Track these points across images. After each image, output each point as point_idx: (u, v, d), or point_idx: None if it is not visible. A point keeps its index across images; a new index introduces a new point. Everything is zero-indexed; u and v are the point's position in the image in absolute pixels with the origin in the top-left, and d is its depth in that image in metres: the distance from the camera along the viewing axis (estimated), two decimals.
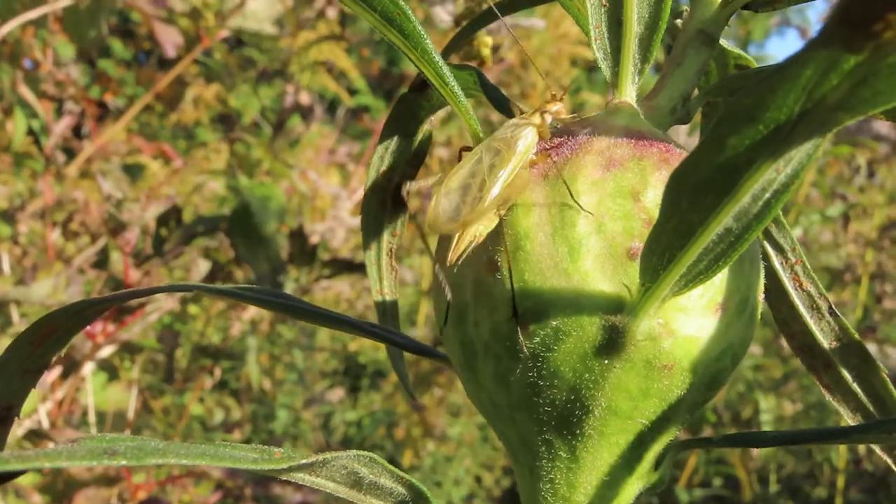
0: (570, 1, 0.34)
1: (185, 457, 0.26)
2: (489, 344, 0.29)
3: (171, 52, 1.49)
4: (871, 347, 1.56)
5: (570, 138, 0.29)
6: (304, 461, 0.27)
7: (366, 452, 0.28)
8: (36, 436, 1.13)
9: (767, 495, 1.85)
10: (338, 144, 1.78)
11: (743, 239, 0.25)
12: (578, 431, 0.29)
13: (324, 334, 1.84)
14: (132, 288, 1.17)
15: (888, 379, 0.38)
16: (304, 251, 1.51)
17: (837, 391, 0.38)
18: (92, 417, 1.31)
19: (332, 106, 2.39)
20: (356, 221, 1.64)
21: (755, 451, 1.72)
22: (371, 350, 1.89)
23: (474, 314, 0.29)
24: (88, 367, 1.32)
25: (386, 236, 0.41)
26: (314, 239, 1.57)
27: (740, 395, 1.78)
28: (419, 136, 0.39)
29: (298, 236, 1.51)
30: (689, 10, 0.35)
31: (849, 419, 0.38)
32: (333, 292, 1.71)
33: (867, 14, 0.19)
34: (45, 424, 1.19)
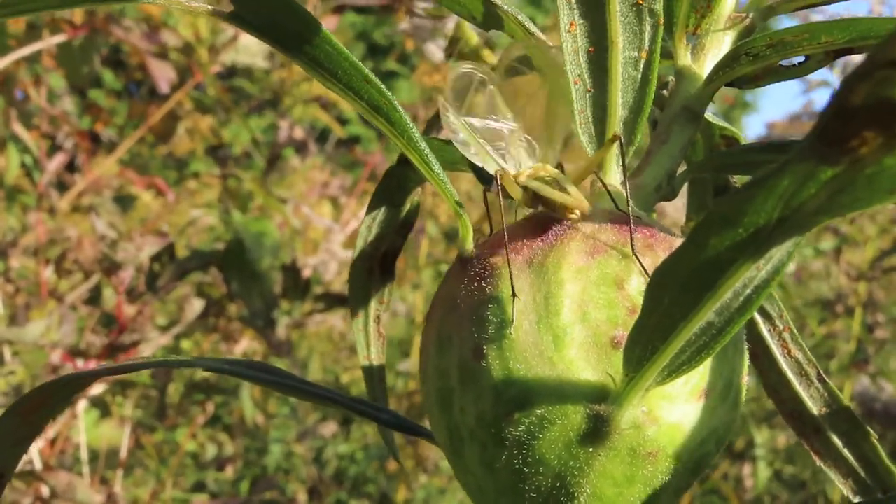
0: (556, 81, 0.34)
1: None
2: (475, 431, 0.29)
3: (164, 87, 1.50)
4: (865, 380, 1.57)
5: (556, 224, 0.30)
6: None
7: None
8: (28, 476, 1.13)
9: None
10: (331, 176, 1.78)
11: (725, 332, 0.26)
12: None
13: (316, 366, 1.83)
14: (126, 329, 1.16)
15: (878, 444, 0.38)
16: (297, 286, 1.51)
17: (828, 457, 0.38)
18: (84, 455, 1.30)
19: (322, 135, 2.39)
20: (348, 255, 1.64)
21: (749, 483, 1.72)
22: (363, 383, 1.89)
23: (460, 400, 0.29)
24: (81, 405, 1.31)
25: (373, 304, 0.41)
26: (307, 272, 1.57)
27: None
28: (407, 207, 0.39)
29: (291, 270, 1.51)
30: (673, 85, 0.35)
31: (840, 485, 0.38)
32: (326, 326, 1.71)
33: (843, 132, 0.20)
34: (38, 465, 1.19)
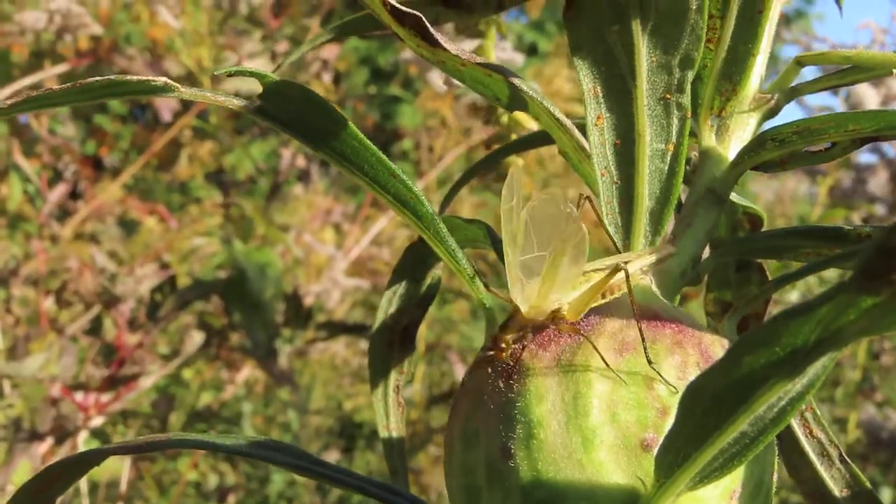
0: (579, 163, 0.34)
1: None
2: None
3: (166, 116, 1.50)
4: (871, 409, 1.56)
5: (583, 319, 0.29)
6: None
7: None
8: None
9: None
10: (333, 202, 1.78)
11: (758, 441, 0.25)
12: None
13: (318, 394, 1.83)
14: (127, 360, 1.16)
15: None
16: (299, 314, 1.51)
17: None
18: (84, 487, 1.30)
19: (324, 161, 2.39)
20: (351, 282, 1.64)
21: None
22: (367, 410, 1.88)
23: (488, 499, 0.29)
24: (82, 436, 1.31)
25: (393, 375, 0.41)
26: (309, 300, 1.57)
27: None
28: (427, 281, 0.39)
29: (294, 299, 1.51)
30: (697, 164, 0.35)
31: None
32: (329, 354, 1.70)
33: (886, 268, 0.20)
34: None
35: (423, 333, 1.78)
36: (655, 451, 0.27)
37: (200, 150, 1.85)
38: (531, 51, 4.15)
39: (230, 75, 0.28)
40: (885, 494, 1.58)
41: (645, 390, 0.28)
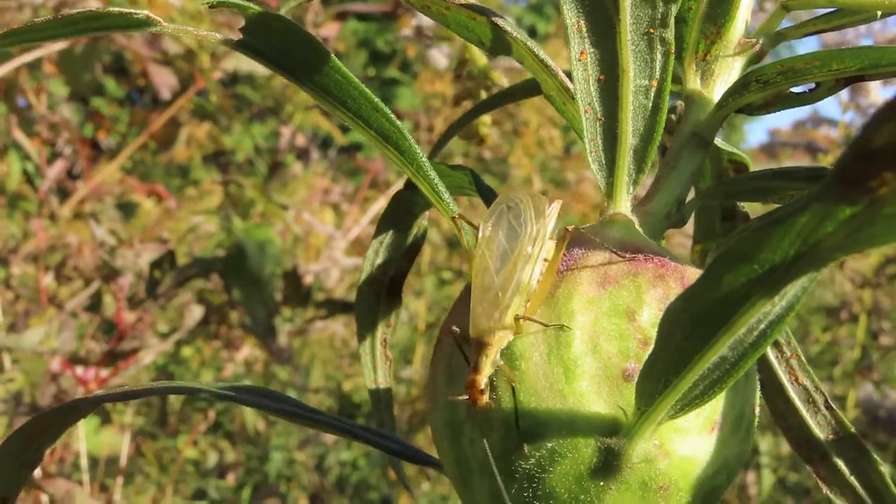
0: (563, 105, 0.34)
1: None
2: (484, 463, 0.28)
3: (165, 94, 1.50)
4: (869, 387, 1.56)
5: (566, 253, 0.29)
6: None
7: None
8: (27, 485, 1.12)
9: None
10: (332, 183, 1.78)
11: (739, 366, 0.25)
12: None
13: (318, 373, 1.83)
14: (126, 335, 1.16)
15: (885, 473, 0.37)
16: (298, 293, 1.51)
17: (835, 484, 0.38)
18: (84, 463, 1.30)
19: (324, 144, 2.40)
20: (350, 261, 1.64)
21: (753, 491, 1.71)
22: (366, 390, 1.88)
23: (470, 432, 0.29)
24: None
25: (380, 327, 0.41)
26: (308, 279, 1.57)
27: None
28: (414, 231, 0.39)
29: (293, 277, 1.51)
30: (682, 110, 0.35)
31: None
32: (328, 333, 1.70)
33: (864, 173, 0.19)
34: (37, 473, 1.18)
35: (423, 314, 1.78)
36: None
37: (198, 132, 1.85)
38: (530, 33, 4.14)
39: (212, 7, 0.28)
40: None
41: (626, 322, 0.28)
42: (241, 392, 0.35)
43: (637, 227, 0.31)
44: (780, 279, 0.23)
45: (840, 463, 0.38)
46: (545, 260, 0.29)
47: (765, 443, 1.67)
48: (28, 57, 1.40)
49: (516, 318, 0.28)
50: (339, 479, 1.75)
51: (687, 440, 0.28)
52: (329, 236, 1.64)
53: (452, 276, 1.84)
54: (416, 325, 1.81)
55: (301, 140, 1.58)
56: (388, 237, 0.39)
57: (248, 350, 1.61)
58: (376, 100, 0.29)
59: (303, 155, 1.60)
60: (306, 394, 1.76)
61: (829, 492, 0.38)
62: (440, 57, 1.49)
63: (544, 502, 0.28)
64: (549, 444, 0.27)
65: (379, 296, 0.40)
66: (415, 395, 1.68)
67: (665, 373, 0.26)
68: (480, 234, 0.29)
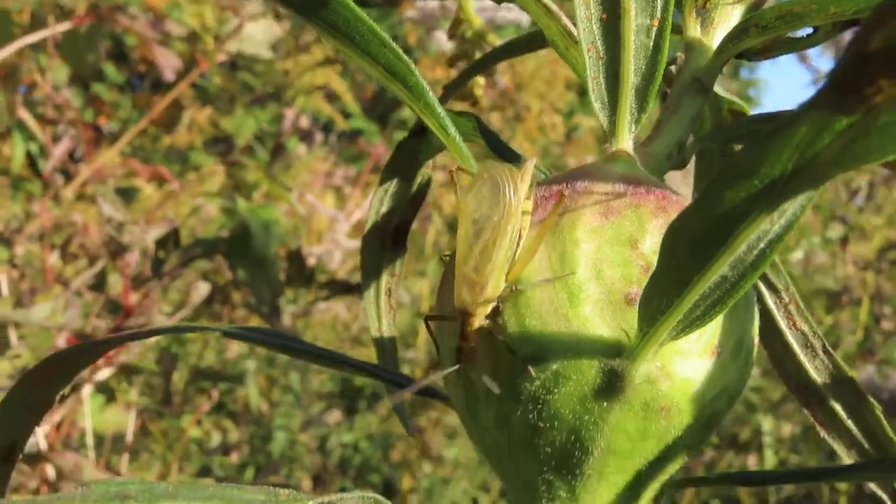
0: (566, 50, 0.35)
1: (195, 499, 0.26)
2: (489, 390, 0.29)
3: (169, 75, 1.50)
4: (871, 369, 1.57)
5: (569, 185, 0.30)
6: (310, 503, 0.28)
7: (370, 494, 0.29)
8: (34, 459, 1.13)
9: None
10: (334, 167, 1.78)
11: (739, 286, 0.26)
12: (578, 471, 0.29)
13: None
14: (132, 310, 1.17)
15: (881, 415, 0.38)
16: (301, 273, 1.52)
17: (832, 427, 0.39)
18: (90, 440, 1.31)
19: (325, 129, 2.41)
20: (353, 244, 1.65)
21: None
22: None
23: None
24: (86, 390, 1.32)
25: (385, 276, 0.42)
26: (311, 261, 1.58)
27: (738, 417, 1.78)
28: (419, 179, 0.40)
29: (296, 258, 1.51)
30: (683, 58, 0.36)
31: (843, 455, 0.38)
32: (330, 315, 1.71)
33: (859, 79, 0.20)
34: (44, 447, 1.19)
35: (426, 295, 1.79)
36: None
37: (200, 116, 1.86)
38: None
39: None
40: None
41: (629, 249, 0.29)
42: (249, 331, 0.36)
43: (638, 164, 0.32)
44: (780, 194, 0.23)
45: (837, 407, 0.38)
46: (524, 213, 0.29)
47: (767, 423, 1.68)
48: (32, 38, 1.40)
49: (506, 289, 0.29)
50: (341, 461, 1.76)
51: (688, 362, 0.28)
52: (332, 219, 1.65)
53: None
54: (418, 308, 1.82)
55: (304, 122, 1.58)
56: (392, 185, 0.40)
57: None
58: (384, 35, 0.30)
59: (306, 137, 1.61)
60: (309, 374, 1.77)
61: (826, 435, 0.39)
62: (444, 39, 1.49)
63: (549, 423, 0.28)
64: (554, 367, 0.28)
65: (384, 244, 0.41)
66: (418, 377, 1.69)
67: (667, 293, 0.26)
68: (461, 207, 0.30)
